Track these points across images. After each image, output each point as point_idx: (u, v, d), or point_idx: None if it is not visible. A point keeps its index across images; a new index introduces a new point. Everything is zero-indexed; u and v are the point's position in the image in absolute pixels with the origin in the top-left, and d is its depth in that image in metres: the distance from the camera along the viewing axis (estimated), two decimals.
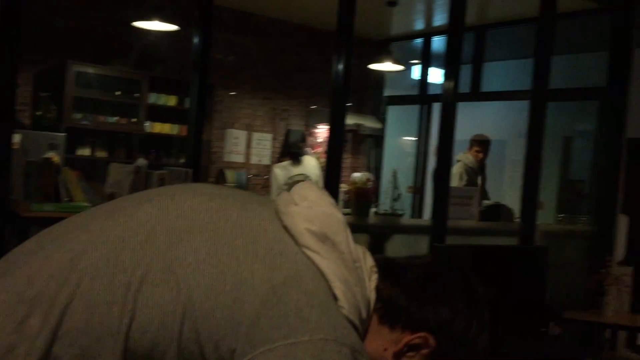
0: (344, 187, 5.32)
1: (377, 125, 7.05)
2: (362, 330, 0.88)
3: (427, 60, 6.03)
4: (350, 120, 6.57)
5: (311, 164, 5.26)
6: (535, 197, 4.24)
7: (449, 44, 3.82)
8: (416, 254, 1.06)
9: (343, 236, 0.91)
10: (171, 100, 6.26)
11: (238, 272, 0.84)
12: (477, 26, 5.80)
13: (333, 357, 0.79)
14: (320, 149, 6.81)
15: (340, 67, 3.42)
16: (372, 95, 7.30)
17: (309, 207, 0.93)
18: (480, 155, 5.16)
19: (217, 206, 0.93)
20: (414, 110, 6.47)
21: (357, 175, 5.79)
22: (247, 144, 6.61)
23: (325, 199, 0.96)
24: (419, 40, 6.46)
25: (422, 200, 6.25)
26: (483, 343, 0.92)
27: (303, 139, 5.54)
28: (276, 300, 0.81)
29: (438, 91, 3.98)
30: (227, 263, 0.85)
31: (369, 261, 0.94)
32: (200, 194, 0.96)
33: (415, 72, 6.86)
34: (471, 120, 6.48)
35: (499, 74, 6.51)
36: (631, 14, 4.34)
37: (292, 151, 5.22)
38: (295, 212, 0.92)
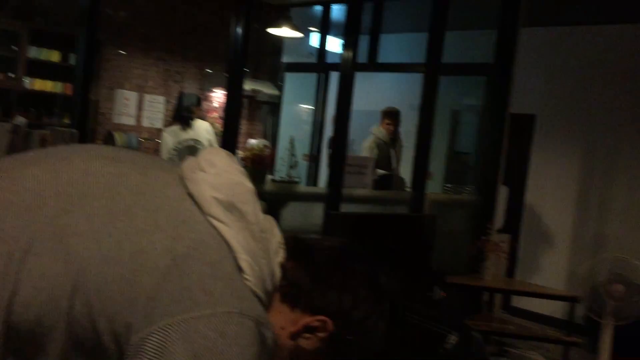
0: (240, 153, 5.25)
1: (275, 92, 6.99)
2: (266, 303, 0.86)
3: (325, 28, 6.02)
4: (247, 86, 6.45)
5: (203, 129, 5.13)
6: (426, 167, 4.40)
7: (349, 13, 3.83)
8: (325, 237, 1.06)
9: (251, 206, 0.87)
10: (54, 56, 5.83)
11: (136, 241, 0.79)
12: None
13: (237, 330, 0.76)
14: (216, 114, 6.66)
15: (239, 30, 3.33)
16: (270, 61, 7.20)
17: (217, 174, 0.88)
18: (391, 127, 5.27)
19: (115, 171, 0.86)
20: (311, 78, 6.46)
21: (253, 142, 5.73)
22: (138, 105, 6.31)
23: (234, 167, 0.92)
24: (318, 8, 6.43)
25: (317, 169, 6.31)
26: (378, 333, 0.92)
27: (198, 103, 5.36)
28: (178, 272, 0.77)
29: (336, 60, 3.98)
30: (125, 232, 0.79)
31: (277, 235, 0.92)
32: (97, 157, 0.89)
33: (314, 39, 6.84)
34: (367, 90, 6.59)
35: (395, 46, 6.65)
36: None
37: (183, 115, 5.05)
38: (201, 179, 0.87)
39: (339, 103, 3.77)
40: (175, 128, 5.07)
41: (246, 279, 0.81)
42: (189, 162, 0.93)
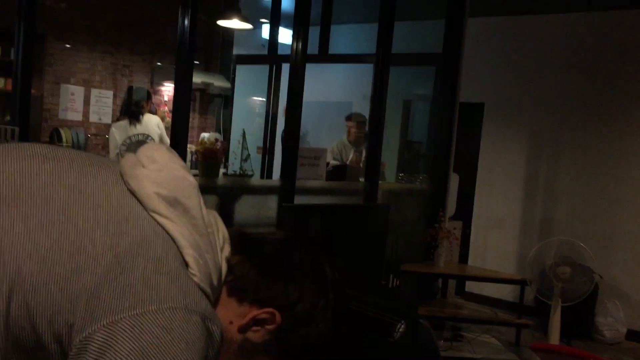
0: (191, 147, 5.18)
1: (226, 84, 6.91)
2: (213, 298, 0.85)
3: (276, 20, 5.97)
4: (198, 79, 6.36)
5: (153, 123, 5.04)
6: (378, 157, 4.44)
7: (298, 4, 3.81)
8: (271, 231, 1.01)
9: (195, 201, 0.86)
10: None
11: (76, 240, 0.77)
12: None
13: (183, 327, 0.75)
14: (166, 108, 6.54)
15: (186, 22, 3.27)
16: (221, 53, 7.11)
17: (159, 169, 0.87)
18: (353, 130, 5.28)
19: (50, 169, 0.83)
20: (263, 70, 6.41)
21: (205, 135, 5.66)
22: (84, 100, 6.14)
23: (176, 161, 0.91)
24: None
25: (271, 161, 6.28)
26: (326, 324, 0.92)
27: (147, 97, 5.26)
28: (120, 269, 0.75)
29: (287, 51, 3.96)
30: (64, 231, 0.77)
31: (222, 229, 0.91)
32: (32, 155, 0.86)
33: (265, 31, 6.79)
34: (319, 81, 6.59)
35: (346, 37, 6.66)
36: None
37: (132, 110, 4.95)
38: (143, 175, 0.85)
39: (290, 95, 3.76)
40: (124, 123, 4.97)
41: (192, 274, 0.80)
42: (128, 159, 0.90)
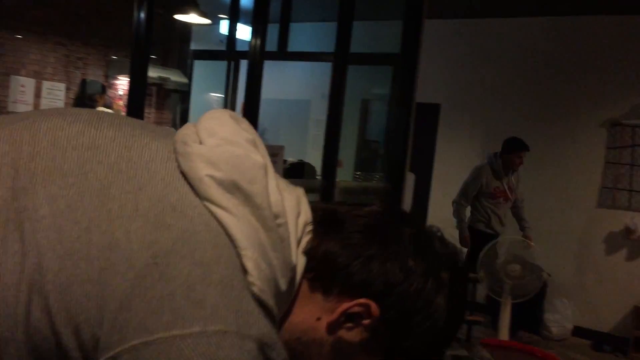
0: None
1: (183, 79, 6.83)
2: (278, 311, 0.67)
3: (235, 16, 5.93)
4: (154, 74, 6.27)
5: None
6: (336, 155, 4.46)
7: (257, 1, 3.79)
8: (364, 203, 0.79)
9: (261, 185, 0.68)
10: None
11: (109, 230, 0.61)
12: None
13: (232, 356, 0.59)
14: (121, 102, 6.42)
15: (142, 15, 3.21)
16: (178, 48, 7.02)
17: (217, 145, 0.69)
18: (518, 161, 5.00)
19: (89, 142, 0.68)
20: (221, 66, 6.36)
21: None
22: (35, 93, 5.97)
23: (241, 135, 0.71)
24: None
25: None
26: (440, 309, 0.72)
27: (102, 91, 5.15)
28: (158, 274, 0.60)
29: (246, 48, 3.94)
30: (95, 218, 0.62)
31: (303, 216, 0.73)
32: (70, 122, 0.70)
33: (223, 27, 6.73)
34: (279, 79, 6.58)
35: (305, 35, 6.67)
36: None
37: (85, 103, 4.86)
38: (195, 153, 0.68)
39: (248, 91, 3.74)
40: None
41: (251, 283, 0.63)
42: (185, 131, 0.72)
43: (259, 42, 3.72)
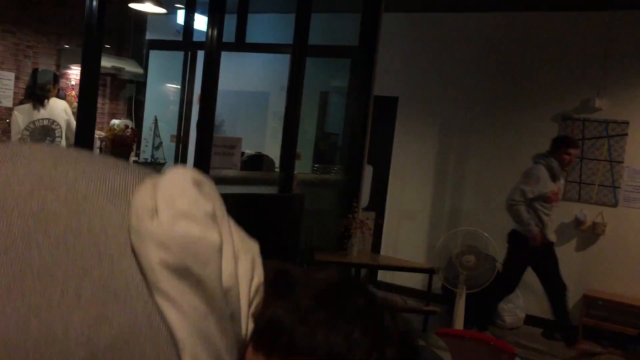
0: (100, 133, 4.98)
1: (139, 70, 6.69)
2: None
3: (191, 6, 5.84)
4: (108, 63, 6.11)
5: (59, 109, 4.81)
6: (294, 148, 4.45)
7: None
8: (321, 268, 0.80)
9: (214, 267, 0.64)
10: None
11: (47, 322, 0.56)
12: None
13: None
14: (73, 92, 6.25)
15: (94, 3, 3.13)
16: (133, 38, 6.87)
17: (172, 222, 0.63)
18: (571, 158, 4.70)
19: (37, 207, 0.61)
20: (178, 56, 6.26)
21: (115, 122, 5.46)
22: None
23: (201, 207, 0.66)
24: None
25: (186, 150, 6.15)
26: None
27: (54, 81, 4.99)
28: None
29: (203, 39, 3.89)
30: (34, 306, 0.56)
31: (256, 278, 0.71)
32: (21, 176, 0.63)
33: (180, 17, 6.62)
34: (237, 70, 6.52)
35: (263, 26, 6.62)
36: None
37: (36, 93, 4.71)
38: (148, 234, 0.63)
39: (205, 83, 3.69)
40: (27, 107, 4.71)
41: None
42: (142, 199, 0.66)
43: (216, 32, 3.67)
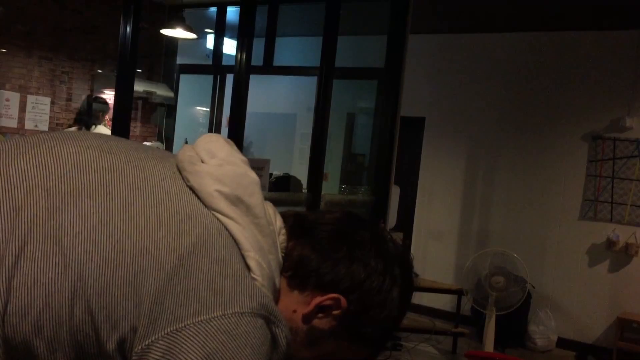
0: None
1: (169, 93, 6.83)
2: (275, 300, 0.81)
3: (221, 31, 5.96)
4: (140, 87, 6.26)
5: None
6: (321, 168, 4.48)
7: (242, 16, 3.83)
8: (327, 210, 0.98)
9: (258, 198, 0.81)
10: None
11: (139, 240, 0.73)
12: (270, 0, 5.89)
13: (248, 331, 0.72)
14: (107, 117, 6.41)
15: (128, 29, 3.24)
16: (164, 62, 7.03)
17: (219, 165, 0.82)
18: None
19: (108, 165, 0.79)
20: (207, 80, 6.38)
21: (147, 144, 5.58)
22: (20, 107, 5.94)
23: (235, 156, 0.85)
24: (213, 9, 6.36)
25: None
26: (394, 301, 0.85)
27: (105, 109, 5.15)
28: (184, 272, 0.72)
29: (232, 62, 3.97)
30: (125, 231, 0.73)
31: (278, 219, 0.87)
32: (86, 147, 0.81)
33: (209, 41, 6.76)
34: (265, 93, 6.61)
35: (290, 49, 6.72)
36: (407, 1, 4.76)
37: (84, 119, 4.88)
38: (203, 172, 0.81)
39: (234, 105, 3.76)
40: (74, 130, 4.87)
41: (254, 279, 0.76)
42: (186, 152, 0.85)
43: (244, 56, 3.75)
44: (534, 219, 5.58)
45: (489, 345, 4.20)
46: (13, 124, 5.90)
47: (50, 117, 6.09)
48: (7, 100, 5.83)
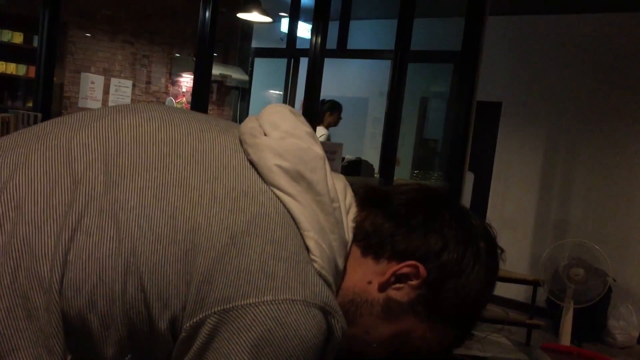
0: None
1: (244, 77, 6.94)
2: (337, 285, 0.77)
3: (295, 14, 5.99)
4: (216, 71, 6.40)
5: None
6: (394, 153, 4.44)
7: None
8: (400, 183, 0.90)
9: (321, 174, 0.76)
10: (17, 38, 5.70)
11: (192, 217, 0.70)
12: None
13: (299, 321, 0.68)
14: (184, 99, 6.59)
15: (207, 14, 3.30)
16: (239, 46, 7.15)
17: (281, 138, 0.77)
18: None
19: (167, 137, 0.77)
20: (281, 63, 6.44)
21: None
22: (104, 89, 6.21)
23: (301, 128, 0.80)
24: None
25: None
26: (478, 275, 0.78)
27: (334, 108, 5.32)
28: (235, 251, 0.69)
29: (306, 46, 3.98)
30: (179, 206, 0.71)
31: (348, 195, 0.82)
32: (148, 119, 0.79)
33: (284, 25, 6.81)
34: (337, 76, 6.60)
35: (365, 32, 6.66)
36: None
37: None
38: (264, 145, 0.76)
39: (308, 89, 3.77)
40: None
41: (313, 260, 0.72)
42: (249, 124, 0.81)
43: (319, 39, 3.74)
44: (616, 211, 5.32)
45: (566, 339, 4.06)
46: (97, 105, 6.18)
47: (131, 99, 6.33)
48: (92, 82, 6.10)
